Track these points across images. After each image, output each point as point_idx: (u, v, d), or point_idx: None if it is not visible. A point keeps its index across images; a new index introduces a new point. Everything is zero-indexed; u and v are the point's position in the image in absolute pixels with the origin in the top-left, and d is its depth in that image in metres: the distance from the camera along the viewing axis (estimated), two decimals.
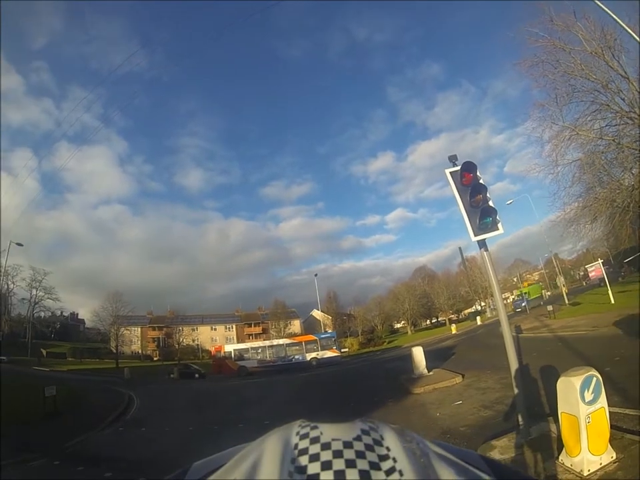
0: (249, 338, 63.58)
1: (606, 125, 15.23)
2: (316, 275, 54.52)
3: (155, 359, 61.69)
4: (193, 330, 66.62)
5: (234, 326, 72.64)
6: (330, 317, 65.76)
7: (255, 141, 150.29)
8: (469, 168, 5.97)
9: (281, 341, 36.71)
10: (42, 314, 61.57)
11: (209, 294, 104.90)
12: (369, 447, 0.46)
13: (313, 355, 33.43)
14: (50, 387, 13.07)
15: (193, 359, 56.63)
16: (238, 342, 52.22)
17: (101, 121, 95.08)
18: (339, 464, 0.43)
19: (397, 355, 27.56)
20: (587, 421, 3.96)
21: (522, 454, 4.96)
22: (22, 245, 29.91)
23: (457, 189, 6.04)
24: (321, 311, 64.38)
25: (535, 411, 5.86)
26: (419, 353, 13.63)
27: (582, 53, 14.79)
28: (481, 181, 5.96)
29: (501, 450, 5.22)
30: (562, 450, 4.32)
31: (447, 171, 6.17)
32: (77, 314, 77.26)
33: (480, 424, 6.93)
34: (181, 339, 60.47)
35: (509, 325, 6.17)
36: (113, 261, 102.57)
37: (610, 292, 22.71)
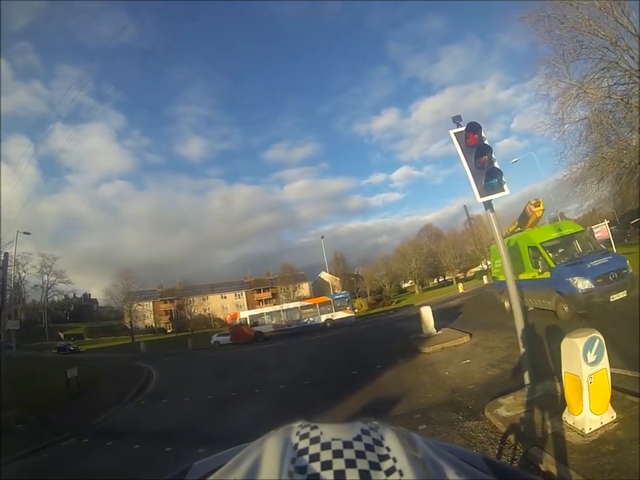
0: (259, 304, 63.88)
1: (614, 84, 14.77)
2: (322, 237, 54.07)
3: (169, 331, 63.50)
4: (204, 300, 68.05)
5: (244, 293, 73.47)
6: (338, 279, 66.02)
7: (254, 104, 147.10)
8: (473, 128, 5.87)
9: (296, 304, 36.44)
10: (55, 298, 63.45)
11: (217, 262, 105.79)
12: (369, 447, 0.47)
13: (327, 316, 33.60)
14: (72, 369, 13.54)
15: (205, 328, 58.13)
16: (248, 308, 52.60)
17: (95, 98, 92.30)
18: (339, 464, 0.44)
19: (406, 315, 27.87)
20: (589, 381, 4.08)
21: (527, 411, 5.12)
22: (29, 234, 29.93)
23: (461, 150, 5.98)
24: (329, 273, 64.56)
25: (540, 370, 6.00)
26: (427, 313, 13.66)
27: (590, 8, 14.15)
28: (486, 142, 5.88)
29: (507, 407, 5.40)
30: (565, 408, 4.48)
31: (451, 132, 6.10)
32: (90, 294, 79.50)
33: (487, 382, 7.12)
34: (193, 310, 61.69)
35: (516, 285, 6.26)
36: (120, 237, 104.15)
37: None
